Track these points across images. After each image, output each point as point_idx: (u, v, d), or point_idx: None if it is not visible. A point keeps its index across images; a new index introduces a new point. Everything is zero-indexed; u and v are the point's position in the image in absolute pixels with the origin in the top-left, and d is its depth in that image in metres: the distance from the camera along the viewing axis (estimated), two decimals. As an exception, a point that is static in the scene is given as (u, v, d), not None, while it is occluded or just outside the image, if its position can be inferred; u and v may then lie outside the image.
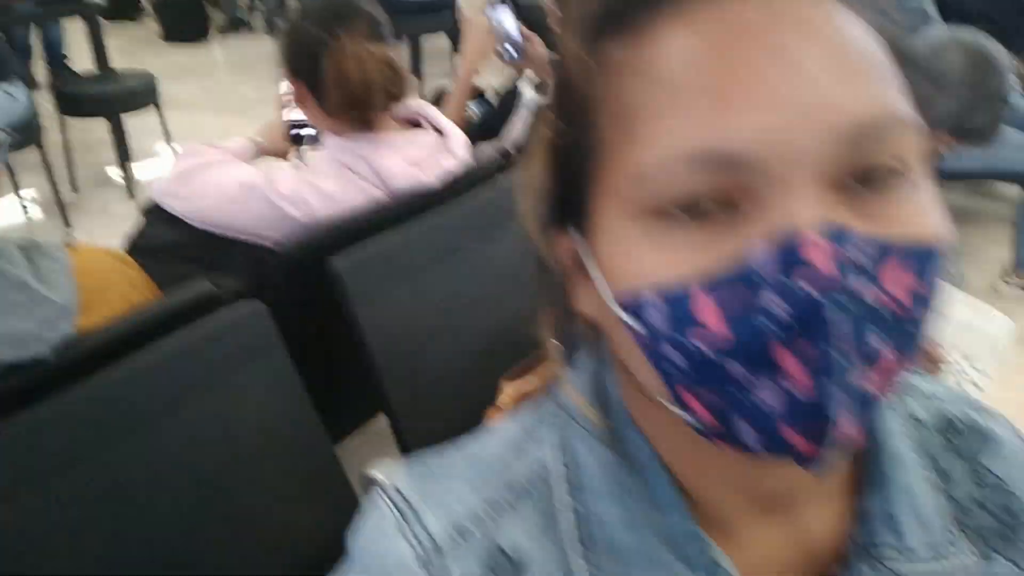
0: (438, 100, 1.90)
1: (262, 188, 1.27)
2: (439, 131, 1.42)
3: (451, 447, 0.47)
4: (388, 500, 0.44)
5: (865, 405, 0.33)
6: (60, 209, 3.33)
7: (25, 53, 4.68)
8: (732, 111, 0.33)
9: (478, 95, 1.96)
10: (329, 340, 1.18)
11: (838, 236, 0.32)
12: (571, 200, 0.40)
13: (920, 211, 0.35)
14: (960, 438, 0.49)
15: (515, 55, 1.80)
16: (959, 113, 1.35)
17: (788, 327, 0.32)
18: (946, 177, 2.41)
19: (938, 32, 1.43)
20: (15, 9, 3.82)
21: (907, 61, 0.37)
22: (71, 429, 0.87)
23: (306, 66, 1.28)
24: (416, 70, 4.73)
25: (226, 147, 1.42)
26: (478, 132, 1.76)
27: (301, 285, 1.18)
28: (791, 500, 0.43)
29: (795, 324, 0.32)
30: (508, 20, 1.80)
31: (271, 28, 6.26)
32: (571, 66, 0.39)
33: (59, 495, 0.84)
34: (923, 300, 0.34)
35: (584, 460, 0.43)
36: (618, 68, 0.36)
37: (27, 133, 3.07)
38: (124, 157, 3.64)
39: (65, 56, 4.97)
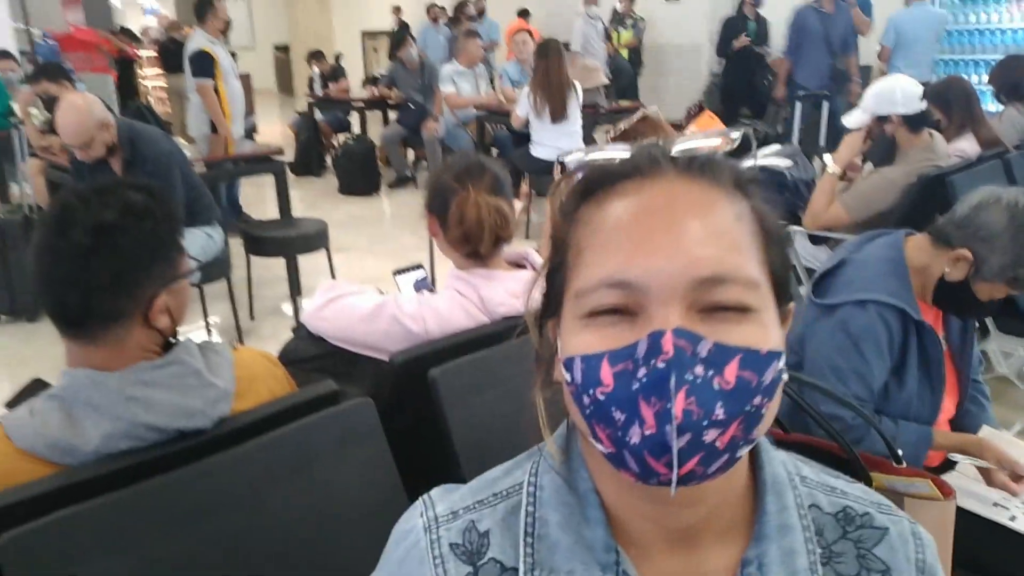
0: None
1: (391, 307, 1.57)
2: (536, 270, 1.69)
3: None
4: (422, 500, 0.68)
5: (708, 450, 0.51)
6: (238, 334, 3.85)
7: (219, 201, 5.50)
8: (633, 257, 0.54)
9: None
10: (429, 441, 1.41)
11: (686, 336, 0.51)
12: (555, 302, 0.62)
13: (755, 332, 0.54)
14: (855, 528, 0.64)
15: None
16: (1008, 265, 1.45)
17: (647, 388, 0.51)
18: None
19: (981, 191, 1.55)
20: (222, 166, 4.59)
21: (771, 237, 0.59)
22: (219, 485, 1.13)
23: (440, 205, 1.61)
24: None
25: (361, 288, 1.74)
26: None
27: (408, 392, 1.42)
28: (695, 540, 0.60)
29: (650, 387, 0.51)
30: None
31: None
32: (560, 219, 0.62)
33: (203, 534, 1.10)
34: (749, 383, 0.52)
35: (544, 482, 0.64)
36: (581, 222, 0.60)
37: (219, 268, 3.63)
38: (295, 292, 4.16)
39: (241, 205, 5.82)
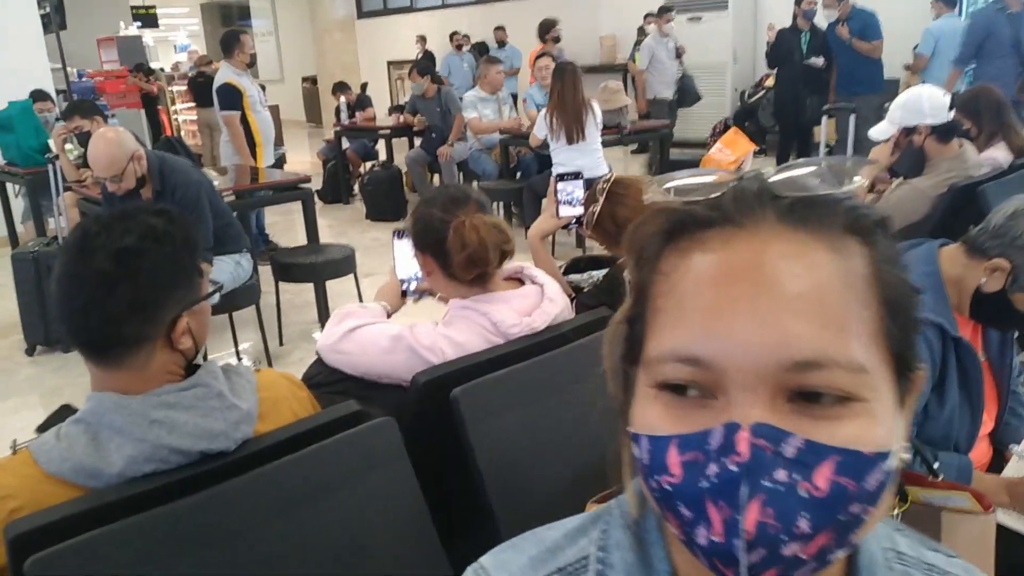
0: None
1: (408, 339, 1.55)
2: (537, 284, 1.70)
3: (532, 532, 0.61)
4: (474, 571, 0.59)
5: (788, 563, 0.44)
6: (267, 359, 3.88)
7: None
8: (711, 330, 0.46)
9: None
10: (452, 461, 1.40)
11: (768, 434, 0.43)
12: (636, 351, 0.52)
13: (859, 426, 0.44)
14: None
15: (576, 222, 2.16)
16: (1044, 273, 1.41)
17: (715, 491, 0.44)
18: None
19: (1017, 199, 1.51)
20: (252, 194, 4.65)
21: (892, 299, 0.48)
22: (242, 507, 1.13)
23: (432, 240, 1.59)
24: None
25: (369, 309, 1.72)
26: (586, 303, 1.99)
27: (430, 412, 1.41)
28: None
29: (719, 490, 0.44)
30: (579, 191, 2.13)
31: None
32: (639, 263, 0.53)
33: (227, 556, 1.09)
34: (845, 490, 0.43)
35: (614, 559, 0.55)
36: (661, 273, 0.50)
37: (248, 295, 3.67)
38: (324, 317, 4.19)
39: (267, 233, 5.93)
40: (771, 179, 0.50)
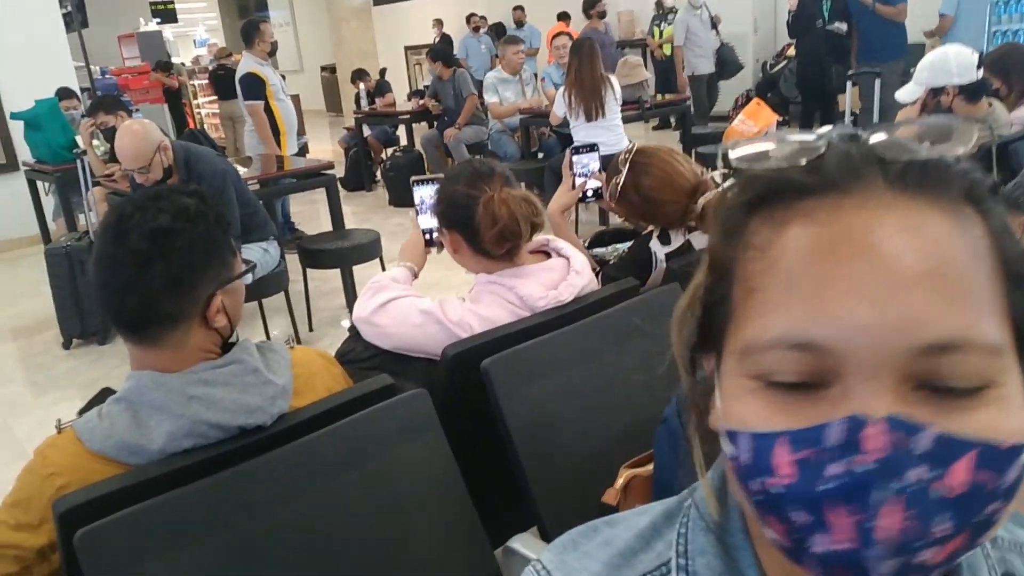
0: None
1: (437, 314, 1.56)
2: (563, 256, 1.69)
3: (592, 527, 0.56)
4: (536, 570, 0.54)
5: (919, 570, 0.40)
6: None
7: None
8: (824, 310, 0.40)
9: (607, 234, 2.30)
10: (484, 431, 1.41)
11: (900, 427, 0.38)
12: (714, 338, 0.48)
13: (995, 416, 0.39)
14: None
15: (593, 196, 2.16)
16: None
17: (839, 494, 0.39)
18: None
19: None
20: (278, 182, 4.69)
21: (1016, 271, 0.42)
22: (279, 478, 1.15)
23: (460, 217, 1.58)
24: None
25: (397, 279, 1.71)
26: (612, 275, 1.99)
27: (461, 385, 1.43)
28: None
29: (845, 494, 0.39)
30: (594, 163, 2.13)
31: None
32: (721, 237, 0.48)
33: (266, 527, 1.12)
34: (983, 488, 0.39)
35: (697, 567, 0.50)
36: (752, 247, 0.45)
37: (276, 282, 3.71)
38: (352, 303, 4.22)
39: (293, 222, 6.00)
40: (872, 140, 0.44)
